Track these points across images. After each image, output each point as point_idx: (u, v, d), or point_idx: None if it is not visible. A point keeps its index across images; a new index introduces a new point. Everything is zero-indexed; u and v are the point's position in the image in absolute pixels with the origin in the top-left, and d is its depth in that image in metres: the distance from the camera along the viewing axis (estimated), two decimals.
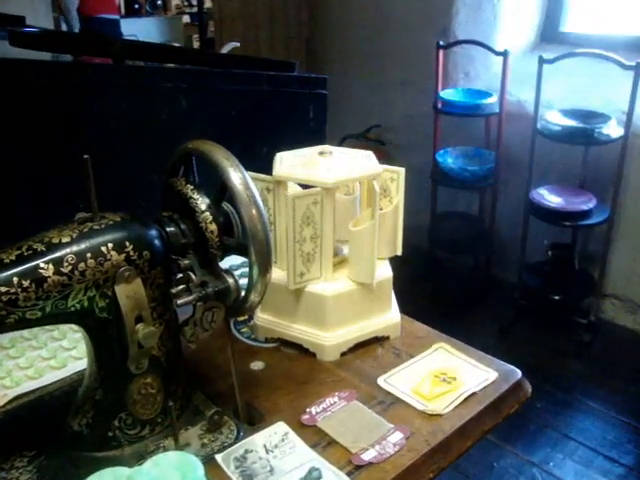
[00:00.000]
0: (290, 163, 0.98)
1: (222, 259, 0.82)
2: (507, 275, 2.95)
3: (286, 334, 1.02)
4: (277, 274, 1.00)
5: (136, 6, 4.82)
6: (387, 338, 1.05)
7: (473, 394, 0.92)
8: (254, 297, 0.81)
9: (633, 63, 2.25)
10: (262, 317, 1.04)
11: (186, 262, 0.80)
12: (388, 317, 1.04)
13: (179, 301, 0.77)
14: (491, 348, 1.08)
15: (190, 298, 0.78)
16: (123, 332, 0.75)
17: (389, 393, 0.93)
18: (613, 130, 2.40)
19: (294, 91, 1.32)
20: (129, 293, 0.74)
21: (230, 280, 0.80)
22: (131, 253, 0.74)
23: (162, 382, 0.83)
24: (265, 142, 1.26)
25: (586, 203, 2.51)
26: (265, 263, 0.78)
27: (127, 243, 0.74)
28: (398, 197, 1.00)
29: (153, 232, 0.78)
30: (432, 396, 0.91)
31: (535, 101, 2.48)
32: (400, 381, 0.95)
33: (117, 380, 0.79)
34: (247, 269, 0.79)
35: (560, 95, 2.74)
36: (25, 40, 1.11)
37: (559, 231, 2.71)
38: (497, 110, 2.67)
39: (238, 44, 1.56)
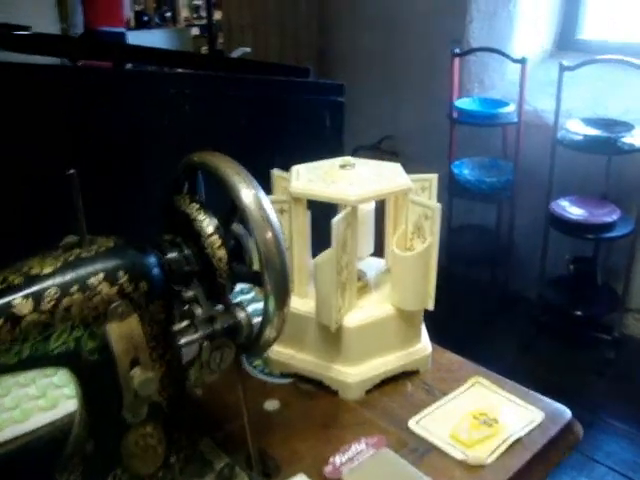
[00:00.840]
0: (308, 177, 0.86)
1: (232, 290, 0.70)
2: (526, 290, 2.82)
3: (304, 369, 0.90)
4: (293, 302, 0.88)
5: (145, 18, 4.73)
6: (416, 372, 0.92)
7: (518, 439, 0.80)
8: (270, 333, 0.69)
9: None
10: (277, 350, 0.92)
11: (190, 294, 0.68)
12: (418, 348, 0.92)
13: (182, 340, 0.65)
14: (510, 366, 0.96)
15: (195, 337, 0.66)
16: (117, 377, 0.63)
17: (423, 439, 0.80)
18: (638, 139, 2.27)
19: (309, 98, 1.20)
20: (123, 332, 0.62)
21: (241, 314, 0.68)
22: (125, 285, 0.62)
23: (163, 431, 0.70)
24: (277, 153, 1.14)
25: (610, 215, 2.38)
26: (282, 294, 0.66)
27: (121, 273, 0.62)
28: (432, 238, 0.86)
29: (152, 259, 0.66)
30: (472, 442, 0.79)
31: (555, 110, 2.36)
32: (434, 424, 0.82)
33: (111, 430, 0.67)
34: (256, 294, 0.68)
35: (579, 104, 2.61)
36: (17, 43, 1.00)
37: (580, 244, 2.58)
38: (515, 119, 2.55)
39: (249, 49, 1.44)
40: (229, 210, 0.69)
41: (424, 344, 0.93)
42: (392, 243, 0.89)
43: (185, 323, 0.67)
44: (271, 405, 0.87)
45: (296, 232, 0.88)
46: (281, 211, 0.88)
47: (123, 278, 0.62)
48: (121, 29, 4.63)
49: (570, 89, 2.44)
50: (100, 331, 0.61)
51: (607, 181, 2.46)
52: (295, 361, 0.90)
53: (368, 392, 0.88)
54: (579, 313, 2.52)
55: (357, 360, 0.87)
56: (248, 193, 0.65)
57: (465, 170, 2.70)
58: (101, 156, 0.96)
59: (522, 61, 2.46)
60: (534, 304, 2.69)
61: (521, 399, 0.86)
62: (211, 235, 0.67)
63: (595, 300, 2.56)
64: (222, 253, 0.67)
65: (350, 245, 0.83)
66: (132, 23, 4.71)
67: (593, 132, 2.31)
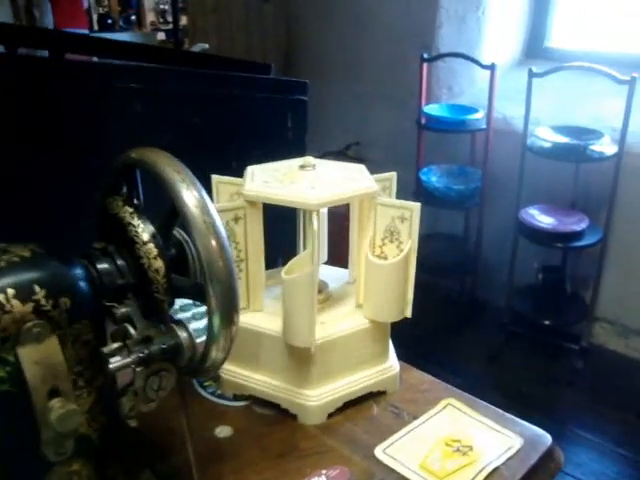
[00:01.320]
0: (263, 179, 0.77)
1: (171, 305, 0.60)
2: (494, 299, 2.76)
3: (259, 391, 0.81)
4: (247, 317, 0.79)
5: (109, 21, 4.59)
6: (384, 393, 0.84)
7: (496, 469, 0.72)
8: (216, 355, 0.59)
9: (628, 77, 2.09)
10: (229, 369, 0.83)
11: (123, 310, 0.59)
12: (385, 367, 0.84)
13: (112, 364, 0.56)
14: (478, 376, 0.89)
15: (127, 361, 0.56)
16: (32, 410, 0.53)
17: (390, 469, 0.72)
18: (606, 147, 2.23)
19: (270, 96, 1.11)
20: (39, 357, 0.52)
21: (182, 334, 0.59)
22: (42, 301, 0.52)
23: (94, 468, 0.61)
24: (235, 155, 1.04)
25: (578, 224, 2.34)
26: (229, 310, 0.57)
27: (36, 287, 0.52)
28: (412, 241, 0.78)
29: (77, 271, 0.56)
30: (445, 473, 0.70)
31: (525, 116, 2.31)
32: (403, 452, 0.74)
33: (29, 470, 0.57)
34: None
35: (548, 112, 2.57)
36: None
37: (548, 253, 2.53)
38: (484, 126, 2.49)
39: (207, 46, 1.35)
40: (169, 214, 0.60)
41: (392, 362, 0.85)
42: (363, 250, 0.80)
43: (116, 345, 0.57)
44: (222, 431, 0.78)
45: (251, 241, 0.79)
46: (236, 219, 0.78)
47: (40, 293, 0.52)
48: (85, 31, 4.50)
49: (539, 97, 2.39)
50: (11, 356, 0.51)
51: (575, 189, 2.42)
52: (250, 382, 0.81)
53: (330, 416, 0.79)
54: (547, 322, 2.47)
55: (318, 381, 0.78)
56: (189, 194, 0.56)
57: (433, 177, 2.64)
58: (33, 151, 0.85)
59: (491, 67, 2.41)
60: (502, 313, 2.63)
61: (497, 423, 0.78)
62: (146, 243, 0.58)
63: (563, 309, 2.52)
64: (159, 264, 0.58)
65: (315, 254, 0.74)
66: (95, 26, 4.57)
67: (562, 139, 2.27)
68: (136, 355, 0.57)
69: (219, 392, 0.85)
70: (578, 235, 2.33)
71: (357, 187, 0.76)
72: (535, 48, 2.89)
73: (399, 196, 0.84)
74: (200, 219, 0.55)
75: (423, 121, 2.61)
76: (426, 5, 2.75)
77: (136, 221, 0.58)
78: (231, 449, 0.75)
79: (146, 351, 0.57)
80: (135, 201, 0.65)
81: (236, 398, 0.83)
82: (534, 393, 2.39)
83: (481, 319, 2.81)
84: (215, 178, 0.82)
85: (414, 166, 2.71)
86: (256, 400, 0.82)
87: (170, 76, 0.99)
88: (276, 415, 0.80)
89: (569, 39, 2.86)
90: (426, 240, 2.86)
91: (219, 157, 0.89)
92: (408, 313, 0.81)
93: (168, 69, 0.98)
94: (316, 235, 0.72)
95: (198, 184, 0.58)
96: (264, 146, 1.01)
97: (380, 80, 2.99)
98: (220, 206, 0.75)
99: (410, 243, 0.76)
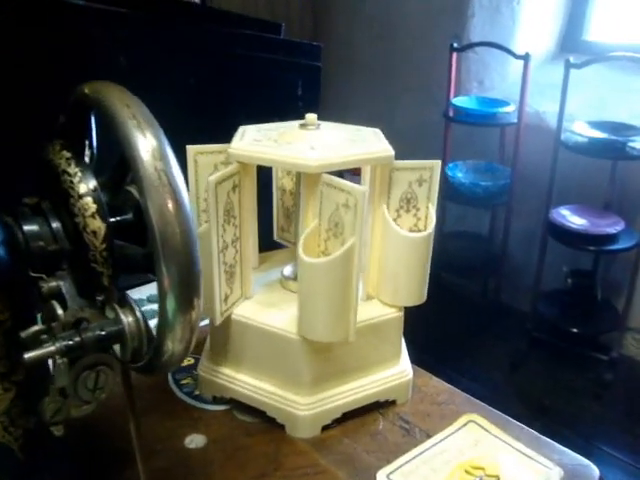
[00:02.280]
0: (254, 138, 0.63)
1: (116, 280, 0.46)
2: (519, 303, 2.58)
3: (242, 394, 0.66)
4: (236, 306, 0.64)
5: None
6: (392, 404, 0.69)
7: None
8: (172, 347, 0.45)
9: None
10: (208, 366, 0.68)
11: (52, 284, 0.45)
12: (394, 372, 0.68)
13: (27, 354, 0.42)
14: (499, 385, 0.73)
15: (46, 350, 0.42)
16: None
17: None
18: None
19: (278, 59, 0.97)
20: None
21: (128, 318, 0.44)
22: None
23: None
24: (234, 126, 0.89)
25: (613, 226, 2.16)
26: (187, 292, 0.43)
27: None
28: (429, 211, 0.63)
29: None
30: None
31: (559, 110, 2.13)
32: (413, 478, 0.59)
33: None
34: None
35: (584, 107, 2.39)
36: None
37: (578, 256, 2.35)
38: (515, 120, 2.32)
39: None
40: (118, 162, 0.46)
41: (404, 366, 0.70)
42: (378, 226, 0.65)
43: (37, 328, 0.43)
44: (194, 441, 0.63)
45: (245, 214, 0.64)
46: (234, 187, 0.63)
47: None
48: None
49: (573, 92, 2.22)
50: None
51: (611, 189, 2.24)
52: (232, 383, 0.67)
53: (325, 429, 0.65)
54: (575, 330, 2.28)
55: (312, 386, 0.63)
56: (138, 134, 0.41)
57: (459, 173, 2.48)
58: None
59: (525, 57, 2.24)
60: (527, 318, 2.45)
61: (531, 448, 0.62)
62: (83, 196, 0.43)
63: (593, 317, 2.33)
64: (97, 224, 0.43)
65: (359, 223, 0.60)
66: None
67: (599, 135, 2.09)
68: (62, 343, 0.42)
69: (197, 393, 0.70)
70: (612, 238, 2.15)
71: (369, 150, 0.61)
72: (572, 41, 2.70)
73: None
74: (150, 166, 0.41)
75: (451, 113, 2.44)
76: None
77: (73, 169, 0.44)
78: (202, 464, 0.61)
79: (77, 338, 0.43)
80: (88, 152, 0.51)
81: (215, 401, 0.69)
82: (558, 406, 2.21)
83: (504, 324, 2.63)
84: (192, 149, 0.65)
85: (440, 161, 2.54)
86: (238, 405, 0.67)
87: (162, 27, 0.85)
88: (260, 424, 0.66)
89: (607, 32, 2.67)
90: (449, 238, 2.69)
91: (215, 128, 0.73)
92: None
93: (160, 18, 0.84)
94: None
95: (154, 124, 0.43)
96: (269, 118, 0.85)
97: (407, 71, 2.83)
98: (217, 176, 0.59)
99: (430, 208, 0.60)
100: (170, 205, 0.41)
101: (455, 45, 2.42)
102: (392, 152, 0.62)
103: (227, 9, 2.79)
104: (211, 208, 0.58)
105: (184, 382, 0.72)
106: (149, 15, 0.84)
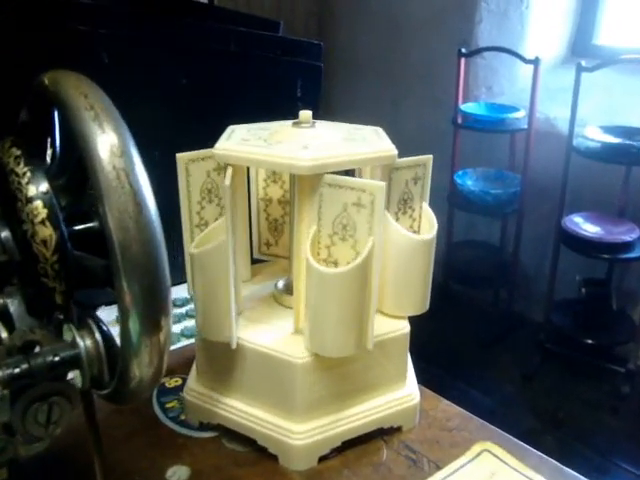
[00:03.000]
0: (243, 137, 0.56)
1: (70, 296, 0.40)
2: (531, 313, 2.51)
3: (231, 420, 0.60)
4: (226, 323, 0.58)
5: None
6: (397, 430, 0.62)
7: None
8: (138, 372, 0.38)
9: None
10: (194, 389, 0.62)
11: None
12: (400, 395, 0.61)
13: None
14: (512, 398, 0.66)
15: None
16: None
17: None
18: None
19: (276, 58, 0.90)
20: None
21: (85, 342, 0.38)
22: None
23: None
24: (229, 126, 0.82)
25: (628, 234, 2.08)
26: (153, 310, 0.36)
27: None
28: (423, 210, 0.57)
29: None
30: None
31: (571, 114, 2.06)
32: None
33: None
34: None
35: (594, 113, 2.32)
36: None
37: (592, 265, 2.27)
38: (525, 126, 2.25)
39: None
40: (77, 163, 0.40)
41: (410, 388, 0.63)
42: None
43: None
44: (176, 474, 0.57)
45: (236, 219, 0.58)
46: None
47: None
48: None
49: (584, 98, 2.15)
50: None
51: (625, 196, 2.17)
52: (220, 408, 0.60)
53: (323, 459, 0.58)
54: (590, 341, 2.20)
55: (307, 412, 0.57)
56: (94, 127, 0.35)
57: (469, 181, 2.41)
58: None
59: (535, 62, 2.18)
60: (540, 329, 2.37)
61: None
62: (31, 200, 0.37)
63: (608, 327, 2.25)
64: (47, 232, 0.37)
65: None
66: None
67: (613, 140, 2.02)
68: (6, 371, 0.36)
69: (182, 417, 0.64)
70: (627, 246, 2.07)
71: (370, 149, 0.54)
72: (582, 45, 2.63)
73: (432, 199, 0.63)
74: (108, 164, 0.35)
75: (459, 120, 2.38)
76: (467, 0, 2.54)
77: (21, 168, 0.38)
78: None
79: (24, 365, 0.36)
80: (49, 151, 0.45)
81: (202, 427, 0.62)
82: (573, 420, 2.13)
83: (516, 335, 2.55)
84: (182, 157, 0.58)
85: (449, 169, 2.48)
86: (227, 432, 0.61)
87: (149, 22, 0.79)
88: (250, 454, 0.59)
89: (617, 36, 2.60)
90: (459, 248, 2.62)
91: (208, 131, 0.66)
92: (427, 305, 0.60)
93: (145, 14, 0.78)
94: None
95: (115, 116, 0.37)
96: (266, 118, 0.78)
97: (414, 77, 2.77)
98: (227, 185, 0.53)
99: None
100: (131, 209, 0.35)
101: (463, 50, 2.36)
102: (395, 151, 0.56)
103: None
104: (227, 215, 0.52)
105: (169, 405, 0.66)
106: (136, 10, 0.78)
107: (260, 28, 0.92)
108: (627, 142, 1.99)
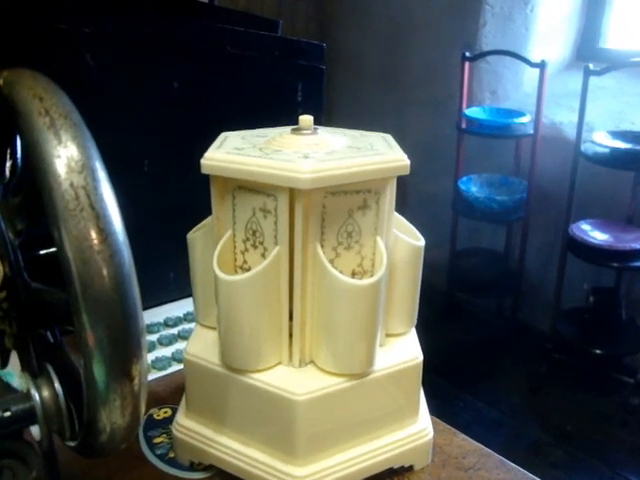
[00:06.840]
0: (236, 146, 0.50)
1: (25, 339, 0.33)
2: (538, 323, 2.44)
3: (224, 461, 0.53)
4: (210, 354, 0.51)
5: None
6: (408, 470, 0.55)
7: None
8: (108, 423, 0.32)
9: None
10: (184, 425, 0.55)
11: None
12: (411, 432, 0.55)
13: None
14: (518, 409, 0.59)
15: None
16: None
17: None
18: None
19: (275, 59, 0.84)
20: None
21: (42, 393, 0.32)
22: None
23: None
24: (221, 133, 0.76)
25: (637, 241, 2.02)
26: (122, 352, 0.30)
27: None
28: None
29: None
30: None
31: (579, 119, 2.00)
32: None
33: None
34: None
35: (602, 118, 2.26)
36: None
37: (599, 273, 2.21)
38: (531, 131, 2.19)
39: None
40: (34, 179, 0.34)
41: (423, 424, 0.56)
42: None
43: None
44: None
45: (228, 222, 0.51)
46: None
47: None
48: None
49: (591, 102, 2.08)
50: None
51: (634, 202, 2.10)
52: (212, 447, 0.53)
53: None
54: (598, 351, 2.13)
55: (310, 453, 0.50)
56: (55, 145, 0.29)
57: (473, 187, 2.35)
58: None
59: (541, 65, 2.12)
60: (546, 339, 2.30)
61: None
62: None
63: (617, 337, 2.18)
64: None
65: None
66: None
67: (621, 145, 1.96)
68: None
69: (172, 456, 0.57)
70: (637, 254, 2.00)
71: (379, 159, 0.48)
72: (588, 49, 2.57)
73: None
74: (65, 181, 0.28)
75: (464, 125, 2.32)
76: (469, 1, 2.47)
77: None
78: None
79: None
80: (9, 164, 0.39)
81: (193, 467, 0.55)
82: (582, 432, 2.06)
83: (522, 345, 2.48)
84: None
85: (453, 175, 2.41)
86: (220, 473, 0.54)
87: (137, 21, 0.73)
88: None
89: (624, 40, 2.53)
90: (463, 255, 2.56)
91: (203, 139, 0.60)
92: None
93: (134, 12, 0.72)
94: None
95: (76, 122, 0.31)
96: (264, 124, 0.71)
97: (417, 82, 2.71)
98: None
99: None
100: (92, 236, 0.28)
101: (467, 54, 2.30)
102: (407, 161, 0.49)
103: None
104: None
105: (157, 441, 0.59)
106: (123, 7, 0.72)
107: (258, 28, 0.85)
108: (636, 148, 1.93)
